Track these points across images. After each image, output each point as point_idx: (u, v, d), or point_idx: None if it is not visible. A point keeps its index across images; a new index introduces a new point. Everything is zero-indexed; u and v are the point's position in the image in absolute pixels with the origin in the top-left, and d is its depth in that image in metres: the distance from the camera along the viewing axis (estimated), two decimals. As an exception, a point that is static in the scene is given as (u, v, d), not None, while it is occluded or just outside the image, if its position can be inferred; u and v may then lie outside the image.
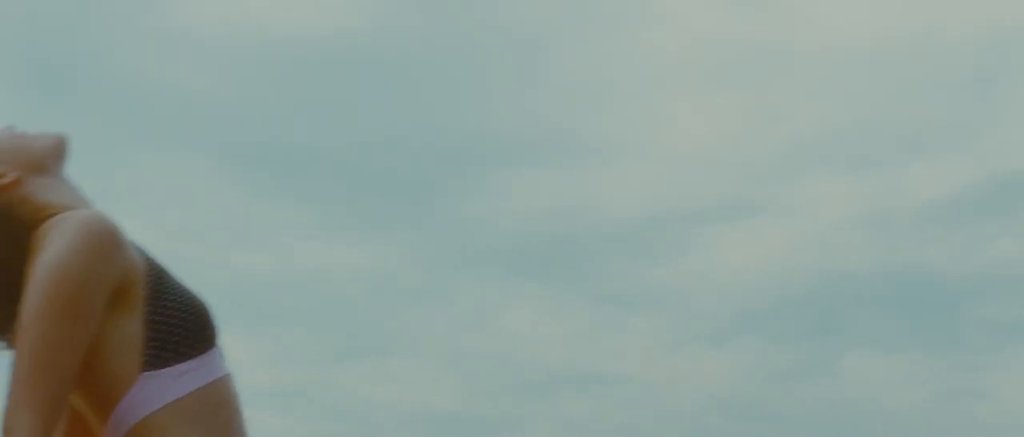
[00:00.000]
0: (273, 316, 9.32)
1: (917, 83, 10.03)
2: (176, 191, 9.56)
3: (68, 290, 1.78)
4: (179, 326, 1.84)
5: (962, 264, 10.07)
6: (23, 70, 8.82)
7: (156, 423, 1.81)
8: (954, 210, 10.00)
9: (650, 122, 10.37)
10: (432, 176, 9.51)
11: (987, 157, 10.10)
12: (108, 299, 1.81)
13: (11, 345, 1.83)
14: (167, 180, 9.64)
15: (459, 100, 9.65)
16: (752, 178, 10.39)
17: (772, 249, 10.33)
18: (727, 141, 10.37)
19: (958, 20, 9.85)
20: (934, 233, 10.14)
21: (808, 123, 10.30)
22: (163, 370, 1.82)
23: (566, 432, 9.53)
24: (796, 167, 10.32)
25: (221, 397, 1.86)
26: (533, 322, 10.10)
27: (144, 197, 9.27)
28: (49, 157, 1.98)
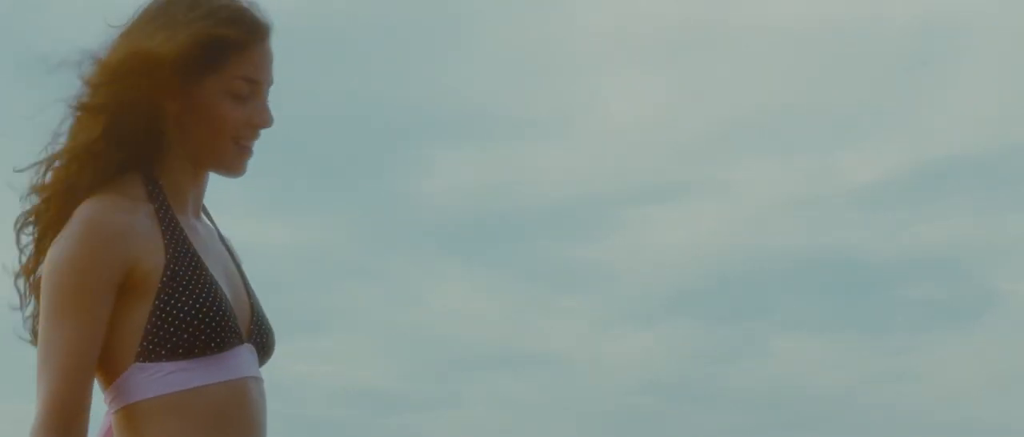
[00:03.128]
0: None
1: (851, 66, 10.06)
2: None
3: (65, 287, 1.79)
4: (181, 325, 1.80)
5: (892, 247, 10.15)
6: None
7: (139, 411, 1.82)
8: (885, 193, 10.07)
9: (581, 100, 10.34)
10: (362, 153, 9.42)
11: (918, 141, 10.17)
12: (120, 287, 1.80)
13: None
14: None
15: (387, 76, 9.56)
16: (683, 158, 10.40)
17: (703, 230, 10.35)
18: (659, 120, 10.35)
19: (894, 4, 9.90)
20: (865, 216, 10.21)
21: (740, 103, 10.31)
22: (152, 364, 1.80)
23: (499, 411, 9.51)
24: (727, 148, 10.33)
25: (217, 402, 1.83)
26: (464, 300, 10.05)
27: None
28: None
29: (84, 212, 1.80)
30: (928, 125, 10.16)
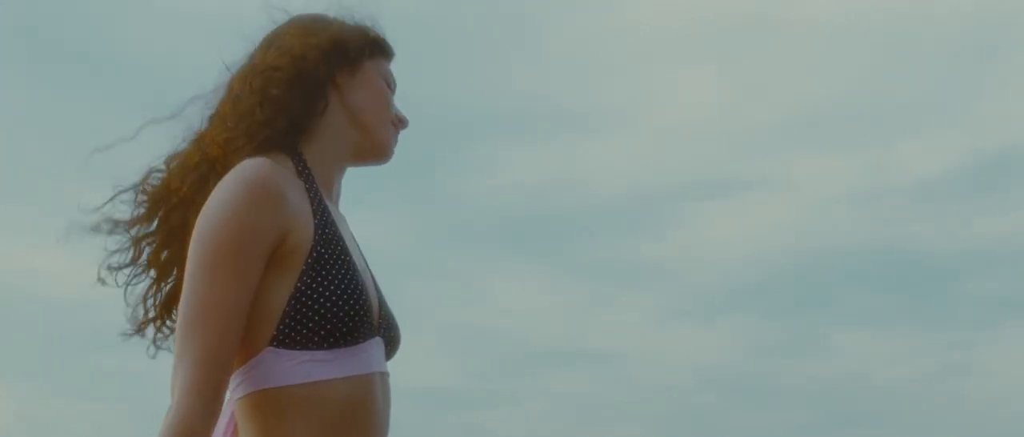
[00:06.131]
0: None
1: (909, 58, 10.00)
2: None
3: (221, 246, 1.72)
4: (321, 312, 1.75)
5: (954, 240, 10.07)
6: (24, 46, 8.74)
7: (266, 401, 1.76)
8: (947, 186, 9.99)
9: (640, 96, 10.33)
10: (420, 151, 9.46)
11: (980, 133, 10.09)
12: (271, 255, 1.74)
13: None
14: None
15: (446, 74, 9.59)
16: (742, 153, 10.36)
17: (763, 225, 10.31)
18: (717, 116, 10.32)
19: (951, -6, 9.81)
20: (927, 209, 10.13)
21: (798, 98, 10.26)
22: (288, 351, 1.75)
23: (557, 408, 9.51)
24: (787, 142, 10.29)
25: (348, 396, 1.78)
26: (524, 298, 10.07)
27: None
28: None
29: (247, 169, 1.75)
30: (988, 116, 10.08)
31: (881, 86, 10.14)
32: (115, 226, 1.91)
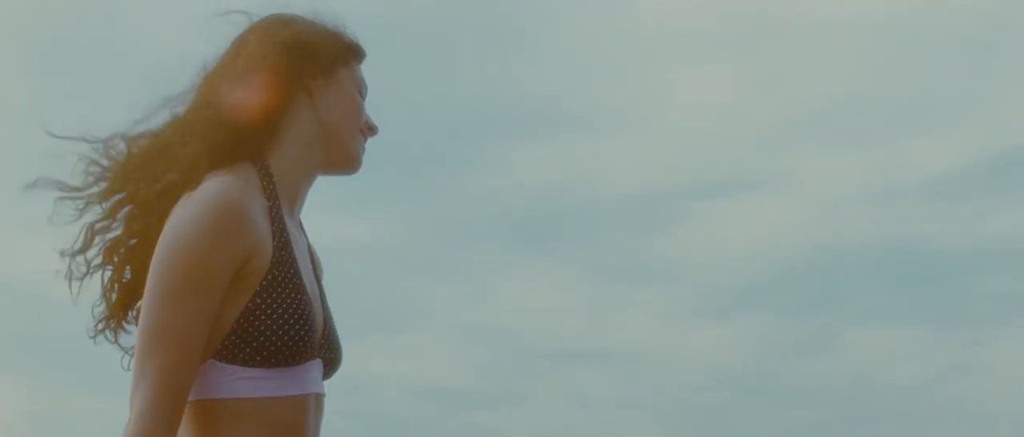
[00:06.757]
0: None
1: (922, 55, 9.98)
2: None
3: (186, 271, 1.72)
4: (266, 334, 1.78)
5: (967, 238, 10.05)
6: (39, 49, 8.75)
7: (203, 412, 1.78)
8: (959, 183, 9.98)
9: (650, 95, 10.33)
10: (433, 149, 9.47)
11: (992, 130, 10.07)
12: (232, 276, 1.75)
13: None
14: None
15: (458, 72, 9.60)
16: (753, 151, 10.36)
17: (775, 223, 10.31)
18: (727, 114, 10.32)
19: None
20: (939, 207, 10.12)
21: (809, 95, 10.26)
22: (229, 366, 1.77)
23: (569, 407, 9.52)
24: (798, 140, 10.28)
25: (281, 415, 1.81)
26: (535, 297, 10.07)
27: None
28: None
29: (214, 191, 1.75)
30: (999, 114, 10.06)
31: (890, 84, 10.14)
32: (67, 191, 1.90)
